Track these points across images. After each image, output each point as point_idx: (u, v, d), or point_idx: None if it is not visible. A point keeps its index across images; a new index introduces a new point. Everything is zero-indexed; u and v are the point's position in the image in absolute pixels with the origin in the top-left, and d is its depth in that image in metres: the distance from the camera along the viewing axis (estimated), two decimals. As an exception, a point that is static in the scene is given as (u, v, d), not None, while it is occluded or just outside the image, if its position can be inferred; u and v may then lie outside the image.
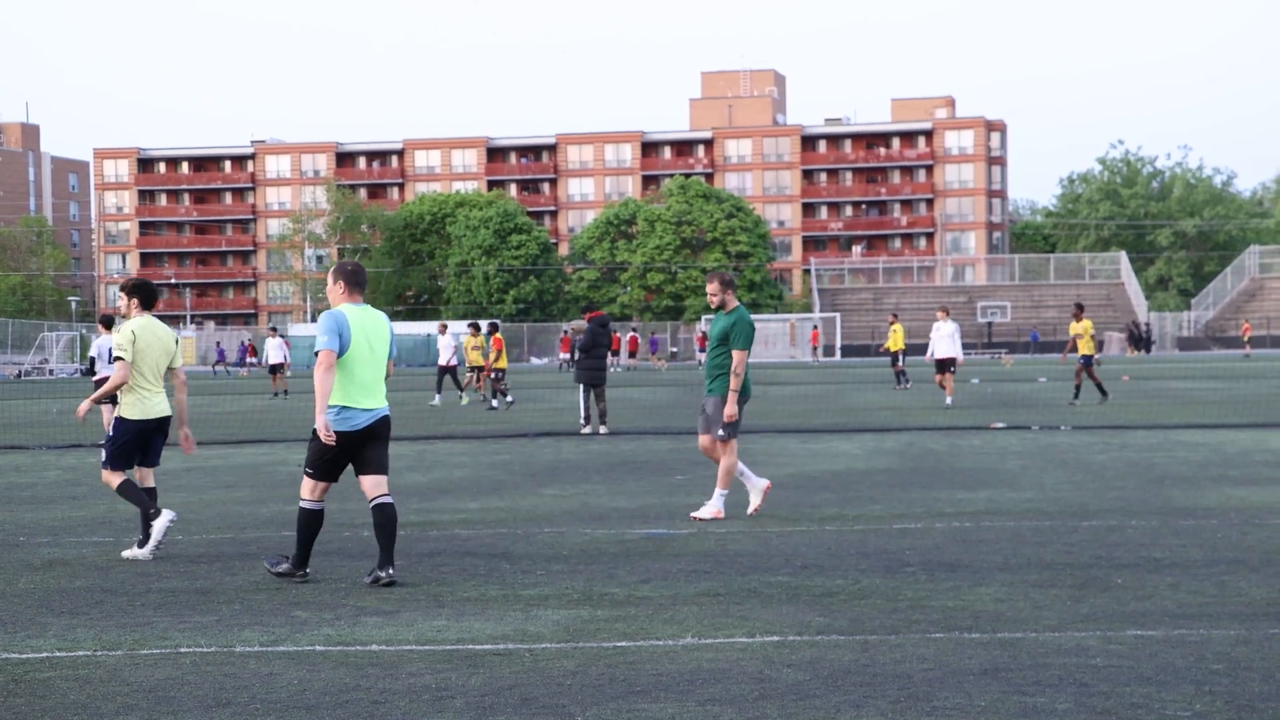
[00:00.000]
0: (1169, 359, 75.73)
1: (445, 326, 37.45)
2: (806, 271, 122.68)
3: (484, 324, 36.42)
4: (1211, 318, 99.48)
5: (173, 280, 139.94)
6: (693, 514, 13.08)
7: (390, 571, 9.77)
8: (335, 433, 9.82)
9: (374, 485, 9.93)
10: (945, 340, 30.37)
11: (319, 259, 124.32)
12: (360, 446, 9.95)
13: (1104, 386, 31.19)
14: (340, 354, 9.85)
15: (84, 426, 27.02)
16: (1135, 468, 17.07)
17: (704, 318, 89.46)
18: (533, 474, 17.76)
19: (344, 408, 9.88)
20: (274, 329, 44.49)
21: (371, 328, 10.04)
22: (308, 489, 10.01)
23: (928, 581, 9.64)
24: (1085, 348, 31.29)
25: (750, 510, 13.12)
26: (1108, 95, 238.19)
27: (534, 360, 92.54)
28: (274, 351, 42.13)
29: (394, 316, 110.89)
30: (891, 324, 41.41)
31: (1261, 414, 26.75)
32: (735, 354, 12.92)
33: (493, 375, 33.97)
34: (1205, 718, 6.31)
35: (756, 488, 13.17)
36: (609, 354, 26.06)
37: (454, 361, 36.78)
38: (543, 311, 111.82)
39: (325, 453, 9.90)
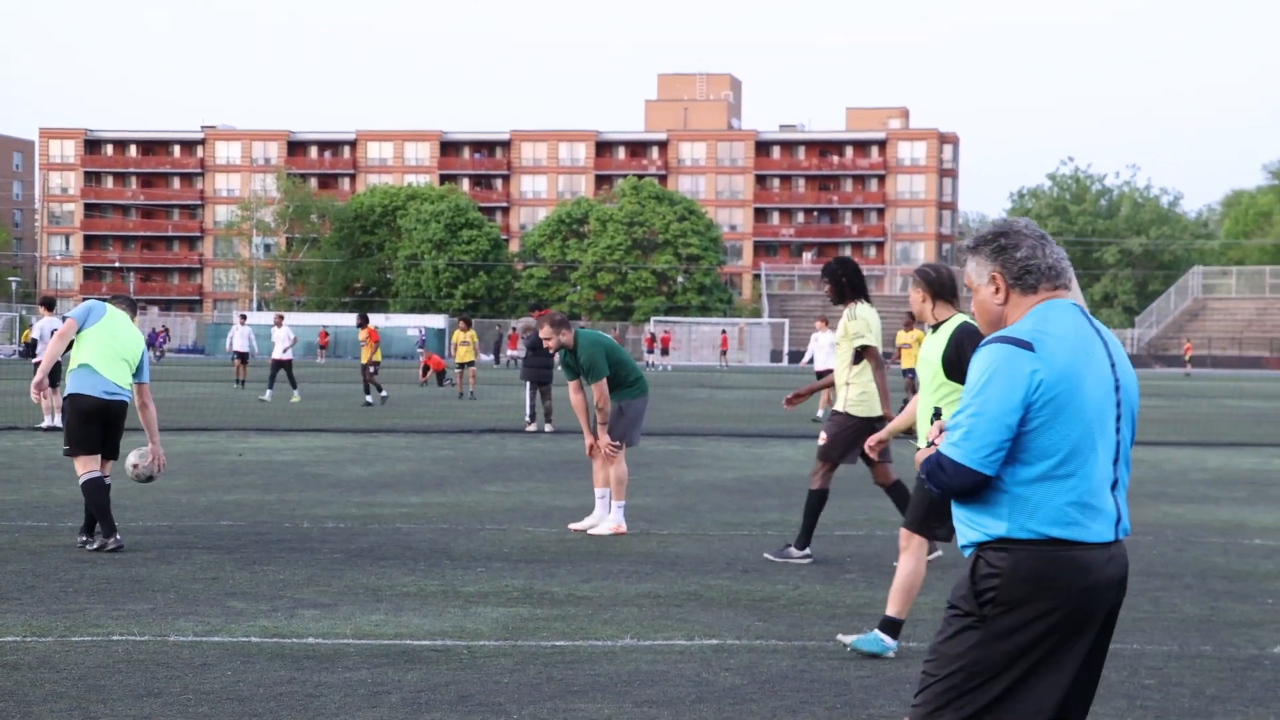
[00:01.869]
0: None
1: (281, 318, 36.03)
2: (757, 276, 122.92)
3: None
4: (1154, 336, 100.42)
5: (117, 264, 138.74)
6: (589, 530, 12.26)
7: (116, 538, 10.72)
8: (84, 396, 10.78)
9: (102, 465, 10.97)
10: (824, 351, 29.31)
11: (267, 247, 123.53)
12: (105, 426, 10.90)
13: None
14: (86, 327, 10.94)
15: (20, 409, 26.72)
16: (1075, 482, 17.17)
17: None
18: (476, 470, 17.71)
19: (88, 367, 10.87)
20: (243, 316, 44.01)
21: (125, 330, 11.03)
22: (79, 465, 10.85)
23: (867, 589, 9.67)
24: (909, 360, 30.40)
25: (573, 526, 12.49)
26: (1059, 112, 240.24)
27: (482, 356, 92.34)
28: (240, 339, 41.70)
29: (341, 308, 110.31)
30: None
31: (1200, 433, 27.02)
32: (594, 388, 12.28)
33: (369, 369, 32.35)
34: (1137, 733, 6.35)
35: (604, 518, 12.42)
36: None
37: (289, 355, 35.26)
38: (492, 308, 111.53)
39: (77, 427, 10.81)
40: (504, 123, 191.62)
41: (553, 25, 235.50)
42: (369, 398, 32.16)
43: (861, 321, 10.40)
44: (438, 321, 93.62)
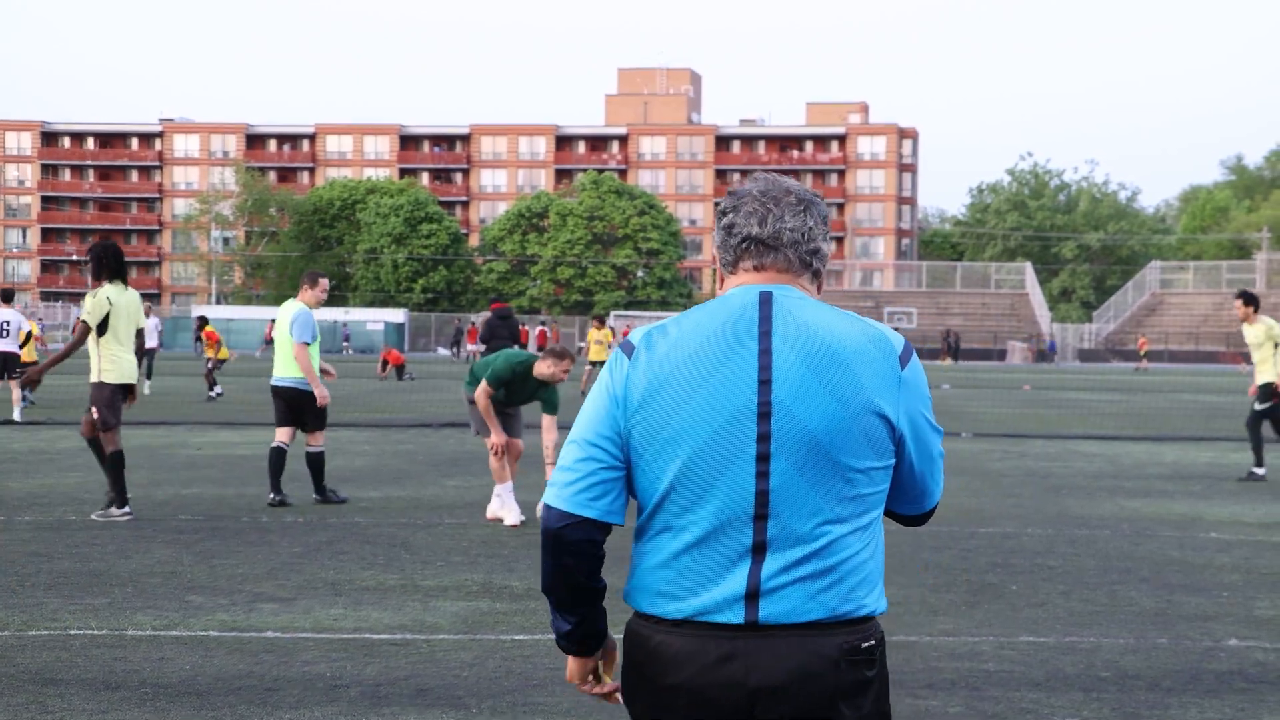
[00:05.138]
0: (1070, 370, 76.82)
1: (149, 309, 35.96)
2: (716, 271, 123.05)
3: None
4: (1112, 330, 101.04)
5: (74, 257, 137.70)
6: (507, 522, 12.20)
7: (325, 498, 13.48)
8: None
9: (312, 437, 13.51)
10: None
11: (225, 241, 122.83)
12: (292, 408, 13.46)
13: None
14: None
15: (-22, 402, 26.51)
16: (1033, 476, 17.29)
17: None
18: (436, 464, 17.67)
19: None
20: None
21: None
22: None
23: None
24: (597, 353, 30.01)
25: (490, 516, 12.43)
26: (1019, 108, 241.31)
27: (441, 350, 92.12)
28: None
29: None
30: None
31: (1156, 427, 27.21)
32: (548, 419, 12.22)
33: (210, 365, 32.35)
34: (1093, 724, 6.40)
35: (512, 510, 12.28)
36: (515, 346, 25.83)
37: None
38: (451, 302, 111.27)
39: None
40: (464, 116, 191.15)
41: (513, 19, 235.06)
42: (211, 392, 31.85)
43: (96, 301, 11.92)
44: (397, 316, 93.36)
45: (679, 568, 2.87)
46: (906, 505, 3.06)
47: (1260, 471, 17.40)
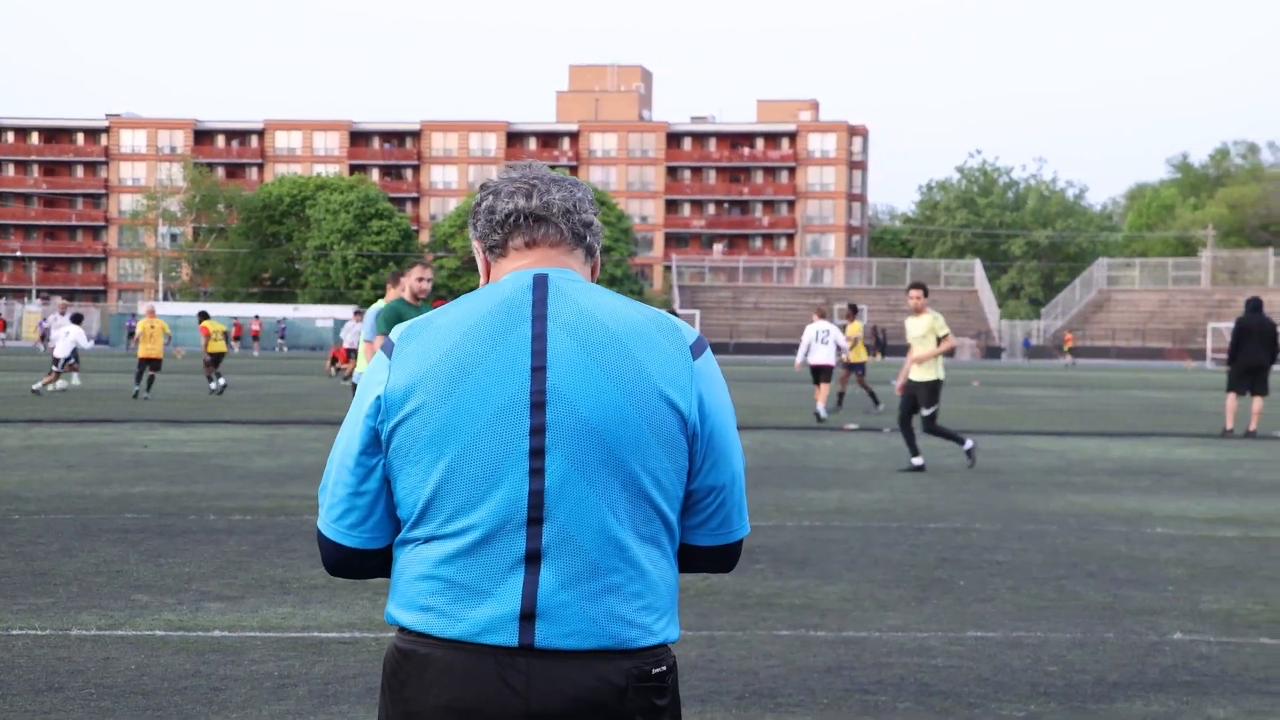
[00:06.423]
0: (1018, 366, 77.33)
1: (80, 317, 36.04)
2: (668, 268, 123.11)
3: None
4: (1060, 327, 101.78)
5: (19, 254, 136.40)
6: None
7: None
8: None
9: None
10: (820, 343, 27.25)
11: (173, 237, 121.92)
12: None
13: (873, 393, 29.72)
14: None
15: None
16: (982, 472, 17.37)
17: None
18: (385, 462, 17.57)
19: None
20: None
21: None
22: None
23: (776, 579, 9.71)
24: (858, 355, 30.45)
25: None
26: (968, 105, 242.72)
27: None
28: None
29: (249, 299, 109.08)
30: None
31: (1104, 423, 27.41)
32: None
33: (206, 359, 32.92)
34: (1039, 718, 6.44)
35: None
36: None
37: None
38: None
39: None
40: (414, 113, 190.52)
41: (464, 15, 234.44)
42: (212, 385, 32.22)
43: None
44: (347, 313, 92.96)
45: (445, 579, 2.59)
46: (705, 535, 2.71)
47: (918, 461, 17.17)
